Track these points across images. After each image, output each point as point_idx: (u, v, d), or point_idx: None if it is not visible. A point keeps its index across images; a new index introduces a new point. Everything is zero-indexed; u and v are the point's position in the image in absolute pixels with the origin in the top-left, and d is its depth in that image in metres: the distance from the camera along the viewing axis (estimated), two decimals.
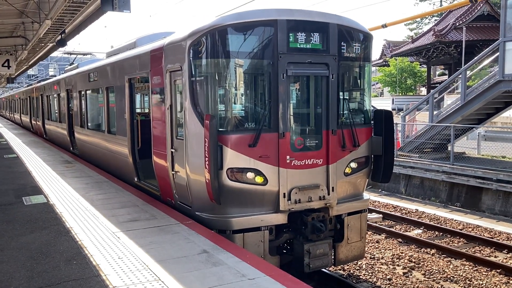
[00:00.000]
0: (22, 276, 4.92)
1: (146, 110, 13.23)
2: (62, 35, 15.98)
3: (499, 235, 11.40)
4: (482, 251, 10.33)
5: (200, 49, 6.73)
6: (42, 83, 23.14)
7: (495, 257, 10.00)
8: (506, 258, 9.89)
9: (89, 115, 13.52)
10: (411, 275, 8.97)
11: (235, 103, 7.05)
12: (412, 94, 48.83)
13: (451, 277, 8.78)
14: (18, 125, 36.09)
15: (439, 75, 54.03)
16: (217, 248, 5.74)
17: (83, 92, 13.84)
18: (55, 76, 31.80)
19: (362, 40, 7.55)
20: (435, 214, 13.54)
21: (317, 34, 6.97)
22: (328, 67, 7.07)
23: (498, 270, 9.03)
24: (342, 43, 7.22)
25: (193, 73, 6.82)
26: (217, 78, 6.72)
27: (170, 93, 7.50)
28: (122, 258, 5.42)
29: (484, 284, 8.45)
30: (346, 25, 7.31)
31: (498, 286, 8.42)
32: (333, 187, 7.19)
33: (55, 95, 18.59)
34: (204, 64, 6.78)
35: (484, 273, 9.04)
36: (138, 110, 13.09)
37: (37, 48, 20.53)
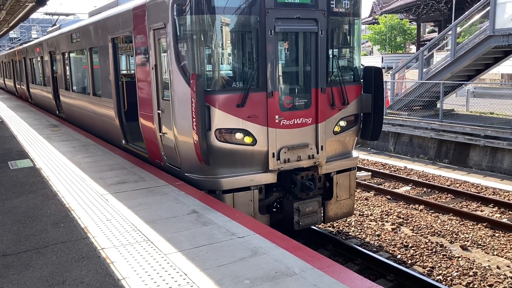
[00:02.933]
0: (9, 240, 4.88)
1: (132, 71, 12.95)
2: None
3: (486, 190, 11.59)
4: (468, 206, 10.51)
5: (184, 6, 6.48)
6: (25, 45, 22.49)
7: (481, 211, 10.19)
8: (492, 212, 10.08)
9: (74, 78, 13.21)
10: (399, 230, 9.13)
11: (221, 62, 6.86)
12: (401, 52, 48.51)
13: (439, 232, 8.95)
14: (2, 89, 35.39)
15: (429, 32, 53.58)
16: (206, 208, 5.73)
17: (66, 54, 13.47)
18: (38, 38, 30.93)
19: None
20: (423, 171, 13.69)
21: None
22: (317, 22, 6.88)
23: (484, 224, 9.21)
24: None
25: (178, 31, 6.60)
26: (202, 35, 6.52)
27: (155, 53, 7.28)
28: (111, 220, 5.39)
29: (470, 237, 8.64)
30: None
31: (484, 238, 8.60)
32: (322, 146, 7.16)
33: (38, 58, 18.11)
34: (188, 22, 6.54)
35: (470, 227, 9.22)
36: (123, 72, 12.83)
37: (16, 8, 19.73)
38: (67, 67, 13.52)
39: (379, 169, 14.10)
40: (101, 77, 10.19)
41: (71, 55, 13.20)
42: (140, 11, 7.66)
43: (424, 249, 8.15)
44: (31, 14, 22.16)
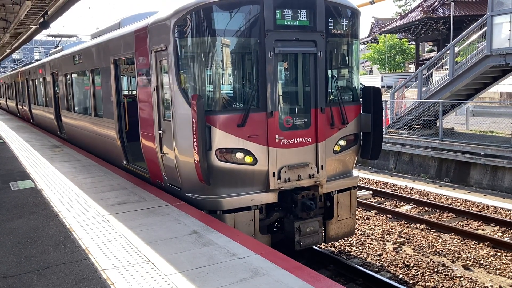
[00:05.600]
0: (10, 261, 4.87)
1: (133, 92, 13.07)
2: (45, 17, 15.58)
3: (487, 209, 11.56)
4: (470, 225, 10.48)
5: (185, 28, 6.60)
6: (27, 67, 22.73)
7: (483, 230, 10.15)
8: (493, 231, 10.04)
9: (76, 99, 13.33)
10: (401, 250, 9.08)
11: (222, 83, 6.95)
12: (401, 71, 48.87)
13: (440, 251, 8.91)
14: (4, 110, 35.60)
15: (427, 52, 54.03)
16: (207, 229, 5.74)
17: (68, 75, 13.62)
18: (40, 59, 31.27)
19: (349, 16, 7.46)
20: (424, 189, 13.67)
21: (304, 10, 6.86)
22: (315, 44, 6.98)
23: (486, 243, 9.17)
24: (329, 20, 7.13)
25: (179, 53, 6.70)
26: (203, 57, 6.61)
27: (156, 74, 7.38)
28: (111, 240, 5.39)
29: (472, 257, 8.59)
30: (333, 1, 7.20)
31: (486, 258, 8.55)
32: (322, 165, 7.19)
33: (40, 79, 18.29)
34: (189, 44, 6.66)
35: (472, 246, 9.18)
36: (125, 92, 12.94)
37: (20, 30, 20.04)
38: (69, 88, 13.65)
39: (380, 188, 14.08)
40: (103, 98, 10.29)
41: (73, 76, 13.34)
42: (142, 33, 7.79)
43: (426, 268, 8.10)
44: (34, 36, 22.53)
